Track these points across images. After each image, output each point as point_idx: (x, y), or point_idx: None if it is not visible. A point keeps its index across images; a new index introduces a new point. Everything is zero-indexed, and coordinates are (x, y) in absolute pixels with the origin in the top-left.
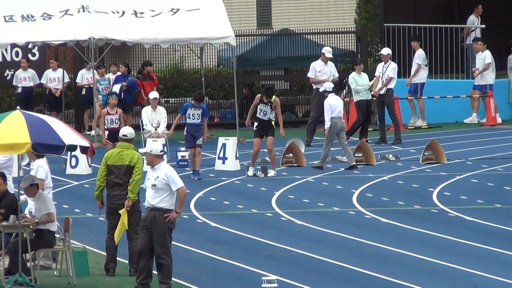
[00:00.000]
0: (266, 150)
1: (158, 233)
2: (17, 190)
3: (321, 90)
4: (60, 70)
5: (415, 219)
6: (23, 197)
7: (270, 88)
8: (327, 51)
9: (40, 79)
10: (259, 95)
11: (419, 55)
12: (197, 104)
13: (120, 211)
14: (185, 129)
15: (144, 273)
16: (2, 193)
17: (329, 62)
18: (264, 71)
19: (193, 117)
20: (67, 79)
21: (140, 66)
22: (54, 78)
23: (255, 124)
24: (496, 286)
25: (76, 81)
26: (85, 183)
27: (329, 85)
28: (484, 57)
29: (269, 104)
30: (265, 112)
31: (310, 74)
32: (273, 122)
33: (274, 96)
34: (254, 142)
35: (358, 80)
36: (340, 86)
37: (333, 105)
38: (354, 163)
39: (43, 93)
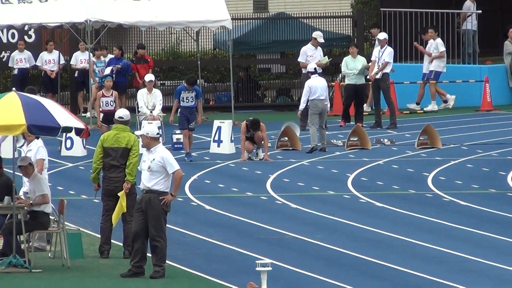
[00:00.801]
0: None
1: (153, 215)
2: (12, 172)
3: (305, 72)
4: (55, 52)
5: (410, 204)
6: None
7: (256, 122)
8: (319, 36)
9: (35, 61)
10: (244, 123)
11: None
12: (190, 88)
13: (119, 194)
14: (179, 111)
15: (139, 255)
16: None
17: (319, 47)
18: (260, 54)
19: (187, 100)
20: (62, 61)
21: (135, 49)
22: (50, 60)
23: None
24: (490, 271)
25: (71, 63)
26: (80, 165)
27: (312, 66)
28: (437, 45)
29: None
30: (252, 134)
31: (301, 59)
32: None
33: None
34: (246, 145)
35: (350, 64)
36: (336, 70)
37: (313, 87)
38: (325, 146)
39: (38, 75)
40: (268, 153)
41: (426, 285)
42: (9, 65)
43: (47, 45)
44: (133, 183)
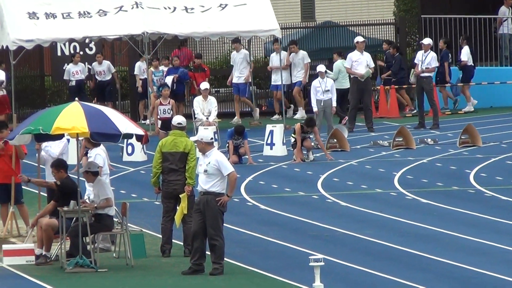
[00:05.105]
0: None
1: (211, 216)
2: (76, 177)
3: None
4: (105, 63)
5: (453, 200)
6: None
7: (311, 119)
8: (359, 39)
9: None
10: (299, 125)
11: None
12: (239, 137)
13: (181, 196)
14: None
15: (198, 253)
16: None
17: (365, 53)
18: None
19: (236, 143)
20: (113, 70)
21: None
22: (100, 71)
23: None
24: None
25: (135, 73)
26: (141, 169)
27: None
28: (303, 57)
29: (310, 132)
30: (305, 136)
31: (346, 64)
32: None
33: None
34: (298, 153)
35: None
36: (378, 73)
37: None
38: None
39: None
40: (328, 153)
41: (470, 276)
42: (65, 77)
43: (96, 56)
44: (193, 185)
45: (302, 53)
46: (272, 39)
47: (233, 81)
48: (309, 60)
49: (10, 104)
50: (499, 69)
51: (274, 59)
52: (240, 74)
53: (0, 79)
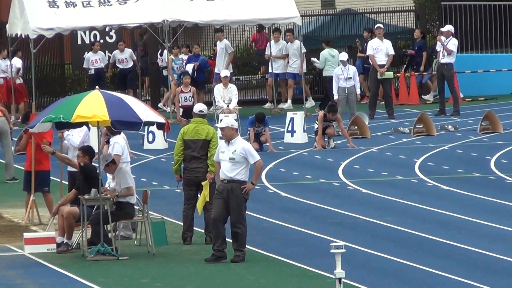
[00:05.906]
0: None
1: (235, 203)
2: (97, 165)
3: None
4: (127, 51)
5: (474, 186)
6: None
7: (333, 105)
8: (377, 27)
9: (109, 60)
10: (322, 113)
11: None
12: (259, 124)
13: (203, 183)
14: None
15: (219, 239)
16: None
17: (385, 40)
18: None
19: (257, 131)
20: (134, 58)
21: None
22: (122, 59)
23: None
24: None
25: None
26: (162, 157)
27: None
28: (298, 47)
29: (333, 120)
30: (328, 125)
31: (368, 52)
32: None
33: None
34: (319, 140)
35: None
36: (401, 61)
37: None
38: None
39: (114, 74)
40: (352, 143)
41: (491, 262)
42: (84, 66)
43: (118, 44)
44: (215, 173)
45: (298, 43)
46: (292, 26)
47: (215, 71)
48: (305, 50)
49: (27, 92)
50: None
51: (273, 48)
52: (220, 64)
53: (17, 67)
